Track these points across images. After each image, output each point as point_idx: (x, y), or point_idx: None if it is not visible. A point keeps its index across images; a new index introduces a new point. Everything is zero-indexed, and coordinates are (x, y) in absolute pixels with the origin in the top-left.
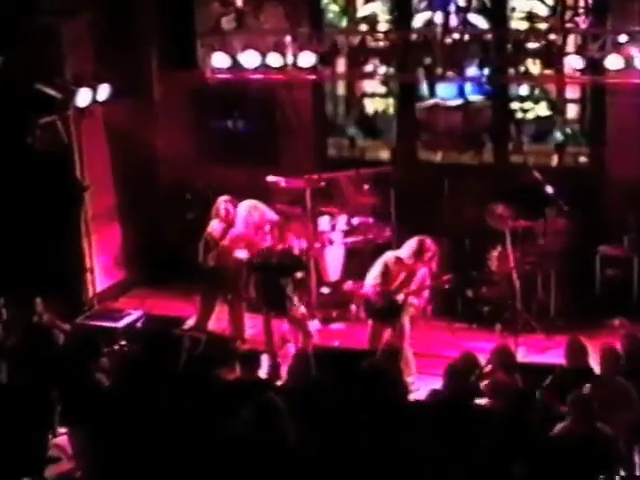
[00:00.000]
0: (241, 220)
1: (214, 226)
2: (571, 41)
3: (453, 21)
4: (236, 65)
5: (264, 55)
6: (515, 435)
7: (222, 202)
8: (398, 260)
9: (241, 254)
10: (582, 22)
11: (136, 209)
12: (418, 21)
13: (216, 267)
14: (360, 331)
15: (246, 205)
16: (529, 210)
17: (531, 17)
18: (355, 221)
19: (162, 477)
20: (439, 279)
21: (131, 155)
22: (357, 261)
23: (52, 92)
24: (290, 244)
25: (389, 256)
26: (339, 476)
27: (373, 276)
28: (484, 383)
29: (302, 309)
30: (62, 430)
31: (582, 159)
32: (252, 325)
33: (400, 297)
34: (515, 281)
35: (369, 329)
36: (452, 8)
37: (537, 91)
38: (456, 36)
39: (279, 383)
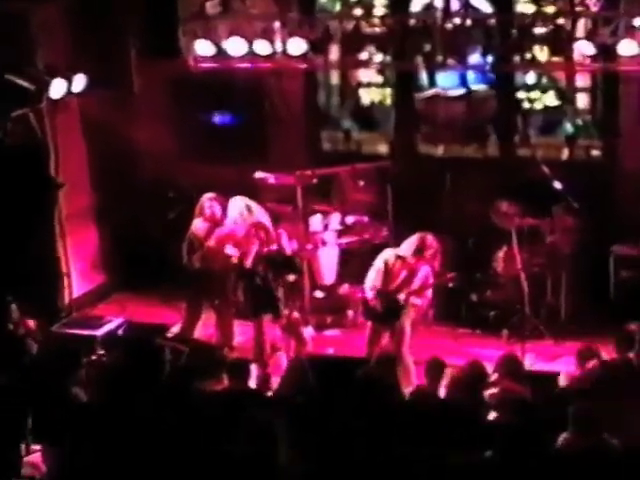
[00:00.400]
0: (231, 219)
1: (198, 225)
2: (581, 25)
3: (454, 5)
4: (221, 53)
5: (251, 42)
6: (523, 448)
7: (207, 200)
8: (398, 258)
9: (231, 251)
10: (593, 5)
11: (115, 208)
12: (417, 5)
13: (202, 270)
14: (357, 338)
15: (237, 203)
16: (537, 207)
17: (538, 0)
18: (350, 220)
19: None
20: (442, 277)
21: (109, 150)
22: (352, 263)
23: (24, 83)
24: (282, 245)
25: (389, 254)
26: None
27: (372, 275)
28: (490, 393)
29: (295, 314)
30: (36, 447)
31: (594, 152)
32: (241, 332)
33: (401, 297)
34: (522, 284)
35: (368, 332)
36: None
37: (545, 79)
38: (457, 21)
39: (270, 394)
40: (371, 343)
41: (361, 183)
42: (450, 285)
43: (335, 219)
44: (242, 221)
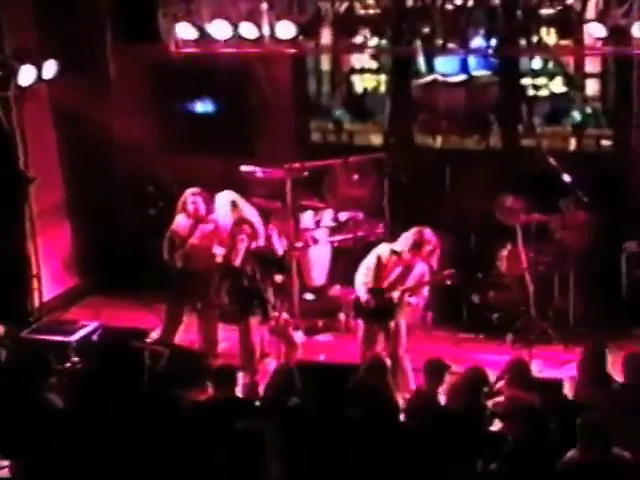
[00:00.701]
0: (216, 215)
1: (180, 222)
2: (592, 6)
3: None
4: (204, 37)
5: (236, 25)
6: (529, 462)
7: (189, 195)
8: (393, 253)
9: (216, 249)
10: None
11: (89, 205)
12: None
13: (184, 270)
14: (350, 343)
15: (222, 198)
16: (544, 202)
17: None
18: (343, 216)
19: None
20: (440, 274)
21: (83, 142)
22: (345, 262)
23: None
24: (272, 244)
25: (383, 249)
26: None
27: (364, 271)
28: (495, 402)
29: (285, 316)
30: (3, 463)
31: (604, 142)
32: (226, 337)
33: (395, 295)
34: (528, 284)
35: (360, 333)
36: None
37: (552, 64)
38: (458, 1)
39: (258, 404)
40: (366, 346)
41: (355, 177)
42: (448, 282)
43: (327, 215)
44: (228, 218)
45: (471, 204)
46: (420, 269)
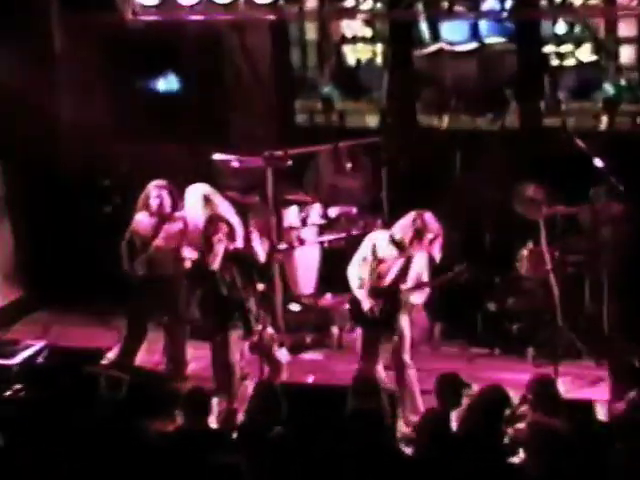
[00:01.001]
0: (185, 212)
1: (142, 221)
2: None
3: None
4: (167, 2)
5: None
6: None
7: (153, 189)
8: (392, 243)
9: (186, 253)
10: None
11: (32, 202)
12: None
13: (147, 277)
14: (344, 362)
15: (192, 192)
16: (571, 192)
17: None
18: (334, 212)
19: None
20: (453, 272)
21: (24, 128)
22: (337, 266)
23: None
24: (251, 244)
25: (378, 238)
26: None
27: (359, 263)
28: (516, 428)
29: (270, 330)
30: None
31: None
32: (197, 357)
33: (397, 294)
34: (554, 288)
35: (359, 342)
36: None
37: (579, 28)
38: None
39: (235, 435)
40: (366, 360)
41: (347, 165)
42: (462, 278)
43: (315, 211)
44: (199, 215)
45: (485, 195)
46: (421, 261)
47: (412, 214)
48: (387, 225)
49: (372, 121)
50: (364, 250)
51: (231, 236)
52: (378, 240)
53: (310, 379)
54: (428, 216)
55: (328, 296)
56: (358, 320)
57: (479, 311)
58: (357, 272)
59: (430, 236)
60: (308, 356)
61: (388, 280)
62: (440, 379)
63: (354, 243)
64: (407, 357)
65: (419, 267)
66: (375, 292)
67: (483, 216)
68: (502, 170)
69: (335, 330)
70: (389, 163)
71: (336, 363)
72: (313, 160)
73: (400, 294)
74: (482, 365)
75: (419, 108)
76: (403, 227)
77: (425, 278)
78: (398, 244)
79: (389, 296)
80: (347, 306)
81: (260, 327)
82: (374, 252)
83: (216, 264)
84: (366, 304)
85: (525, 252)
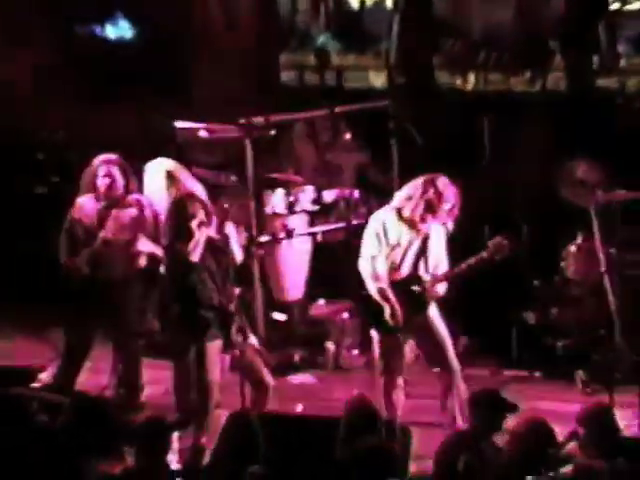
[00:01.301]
0: (144, 194)
1: (85, 205)
2: None
3: None
4: None
5: None
6: None
7: (100, 165)
8: (401, 219)
9: (144, 246)
10: None
11: None
12: None
13: (91, 278)
14: (341, 384)
15: (152, 169)
16: (632, 172)
17: None
18: (329, 196)
19: None
20: (487, 249)
21: None
22: (333, 265)
23: None
24: (226, 236)
25: (387, 218)
26: None
27: (370, 255)
28: (561, 473)
29: (253, 341)
30: None
31: None
32: (155, 379)
33: (420, 287)
34: (609, 295)
35: (377, 347)
36: None
37: None
38: None
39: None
40: (388, 368)
41: (346, 136)
42: (501, 255)
43: (306, 195)
44: (161, 198)
45: (521, 176)
46: (438, 239)
47: (419, 181)
48: None
49: (378, 80)
50: (372, 234)
51: (208, 222)
52: (387, 220)
53: (298, 408)
54: (442, 181)
55: (321, 303)
56: (376, 324)
57: (514, 323)
58: (370, 264)
59: (447, 206)
60: (297, 379)
61: (406, 270)
62: (476, 396)
63: (355, 235)
64: (454, 364)
65: (438, 246)
66: (394, 287)
67: (519, 202)
68: (543, 144)
69: (331, 346)
70: (400, 134)
71: (332, 388)
72: (303, 130)
73: (424, 286)
74: (517, 391)
75: (438, 63)
76: (412, 198)
77: (445, 261)
78: (409, 222)
79: (411, 291)
80: (345, 315)
81: (241, 338)
82: (385, 235)
83: (196, 256)
84: (387, 310)
85: (573, 249)
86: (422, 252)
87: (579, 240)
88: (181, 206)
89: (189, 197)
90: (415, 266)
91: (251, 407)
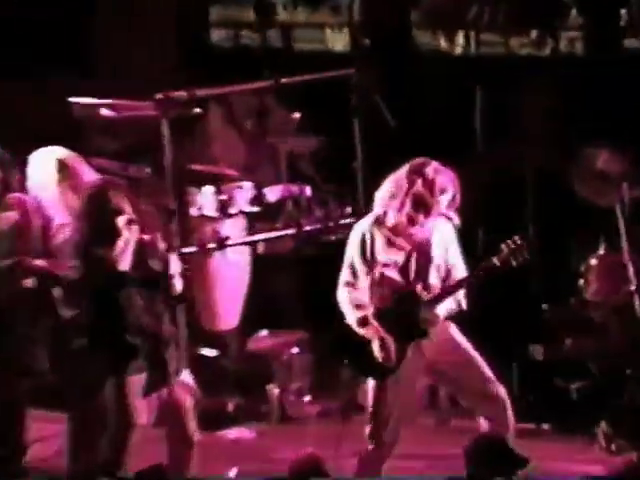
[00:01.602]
0: (29, 189)
1: None
2: None
3: None
4: None
5: None
6: None
7: None
8: (386, 228)
9: (39, 262)
10: None
11: None
12: None
13: None
14: (288, 444)
15: (45, 158)
16: None
17: None
18: (273, 194)
19: None
20: (501, 253)
21: None
22: (279, 284)
23: None
24: (145, 244)
25: (372, 228)
26: None
27: (347, 280)
28: None
29: (186, 378)
30: None
31: None
32: (46, 436)
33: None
34: None
35: (370, 399)
36: None
37: None
38: None
39: None
40: (379, 433)
41: (295, 115)
42: (518, 260)
43: (243, 193)
44: (51, 193)
45: (526, 165)
46: (444, 240)
47: (402, 172)
48: (362, 212)
49: (338, 42)
50: (352, 253)
51: (137, 220)
52: (370, 231)
53: (232, 473)
54: (431, 168)
55: (264, 333)
56: (363, 368)
57: (516, 359)
58: (348, 293)
59: (447, 197)
60: (231, 433)
61: (401, 289)
62: (477, 444)
63: (308, 245)
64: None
65: (446, 252)
66: (385, 317)
67: (521, 201)
68: (553, 122)
69: (275, 390)
70: (365, 111)
71: (276, 445)
72: (238, 106)
73: (424, 308)
74: (520, 449)
75: (416, 20)
76: (394, 197)
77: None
78: (396, 229)
79: (407, 318)
80: (294, 350)
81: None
82: (372, 252)
83: (125, 263)
84: (376, 344)
85: (593, 262)
86: (423, 264)
87: (601, 250)
88: (102, 199)
89: (112, 187)
90: (414, 283)
91: (169, 466)
